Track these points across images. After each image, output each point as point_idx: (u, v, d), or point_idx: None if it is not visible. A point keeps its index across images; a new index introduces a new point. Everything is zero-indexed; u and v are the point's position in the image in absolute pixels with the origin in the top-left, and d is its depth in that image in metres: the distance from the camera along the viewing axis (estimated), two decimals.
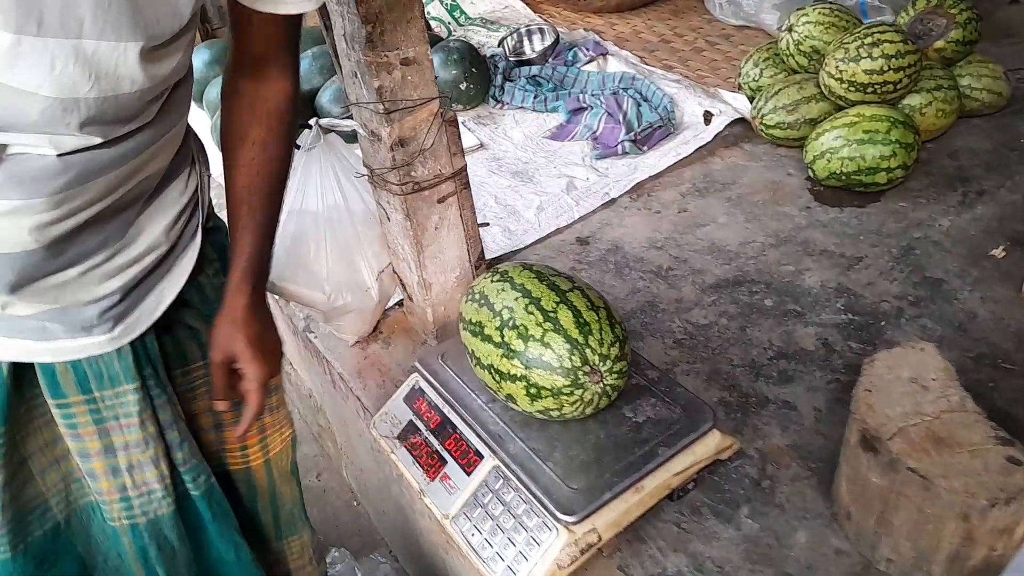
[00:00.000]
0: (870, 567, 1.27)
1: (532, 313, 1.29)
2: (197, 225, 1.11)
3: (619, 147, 2.34)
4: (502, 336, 1.31)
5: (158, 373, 1.10)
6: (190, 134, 1.10)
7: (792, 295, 1.81)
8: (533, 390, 1.29)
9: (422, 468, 1.48)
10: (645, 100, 2.50)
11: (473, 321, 1.38)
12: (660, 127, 2.38)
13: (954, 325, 1.68)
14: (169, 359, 1.13)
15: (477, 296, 1.41)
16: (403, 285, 1.76)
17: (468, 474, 1.42)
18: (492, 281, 1.40)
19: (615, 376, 1.30)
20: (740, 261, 1.93)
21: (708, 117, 2.41)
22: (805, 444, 1.47)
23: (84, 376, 1.03)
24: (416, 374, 1.59)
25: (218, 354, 1.10)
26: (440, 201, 1.59)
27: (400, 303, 1.92)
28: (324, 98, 2.50)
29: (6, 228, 0.83)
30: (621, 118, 2.40)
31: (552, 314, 1.29)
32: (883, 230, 1.97)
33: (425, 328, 1.77)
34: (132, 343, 1.05)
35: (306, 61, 2.61)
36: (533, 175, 2.34)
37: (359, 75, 1.42)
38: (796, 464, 1.44)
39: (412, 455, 1.51)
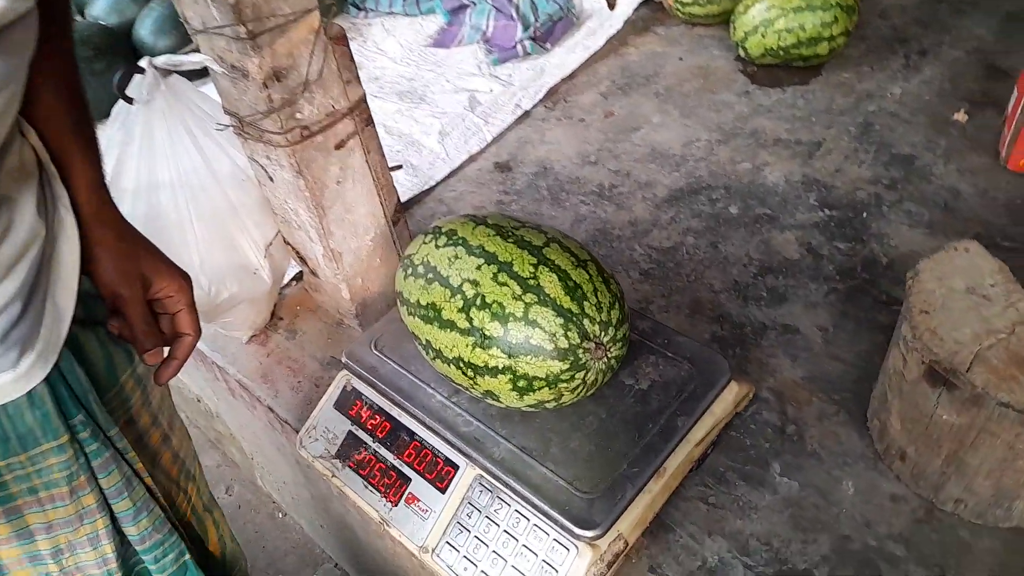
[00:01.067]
0: (933, 510, 1.09)
1: (505, 284, 0.98)
2: (57, 203, 0.77)
3: (518, 47, 1.99)
4: (470, 320, 0.99)
5: (94, 417, 0.78)
6: None
7: (758, 197, 1.57)
8: (522, 383, 0.98)
9: (379, 492, 1.16)
10: None
11: (423, 303, 1.04)
12: (560, 19, 2.04)
13: (939, 206, 1.50)
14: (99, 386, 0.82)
15: (420, 268, 1.07)
16: (302, 259, 1.38)
17: (442, 491, 1.11)
18: (438, 246, 1.07)
19: (620, 345, 1.02)
20: (689, 165, 1.66)
21: (612, 1, 2.09)
22: (821, 373, 1.26)
23: None
24: (345, 371, 1.25)
25: (130, 287, 0.81)
26: (339, 147, 1.22)
27: (298, 277, 1.54)
28: (143, 30, 1.98)
29: None
30: (514, 13, 2.04)
31: (532, 281, 0.97)
32: (834, 107, 1.76)
33: (340, 307, 1.41)
34: (48, 380, 0.73)
35: None
36: (424, 93, 1.96)
37: None
38: (817, 399, 1.23)
39: (362, 476, 1.18)
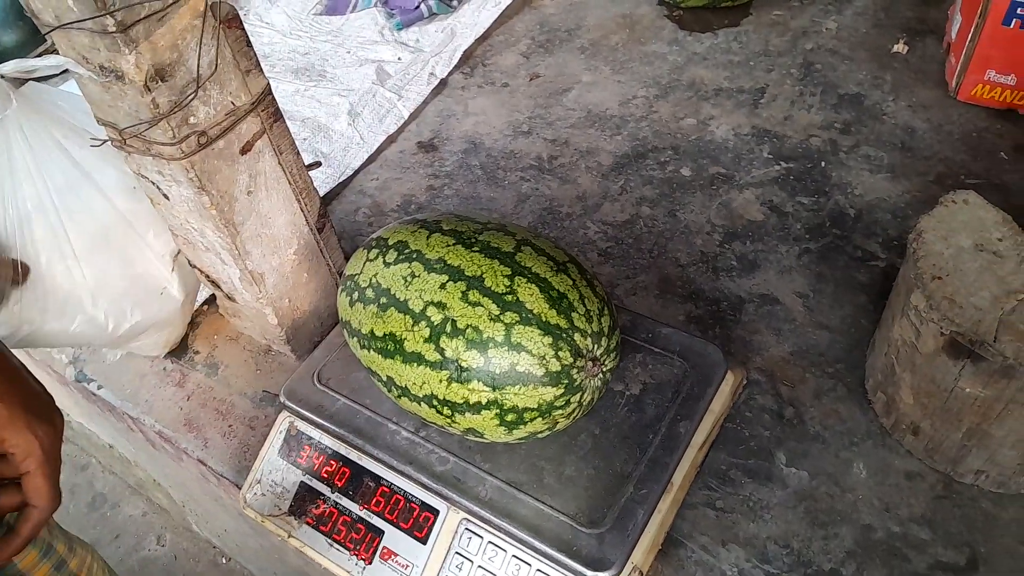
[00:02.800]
0: (952, 484, 1.01)
1: (478, 303, 0.82)
2: None
3: (422, 7, 1.80)
4: (440, 350, 0.83)
5: None
6: None
7: (709, 155, 1.45)
8: (511, 416, 0.84)
9: (347, 549, 1.00)
10: None
11: (378, 334, 0.88)
12: None
13: (897, 147, 1.42)
14: None
15: (369, 292, 0.90)
16: (213, 283, 1.18)
17: (422, 541, 0.97)
18: (387, 263, 0.90)
19: (614, 356, 0.88)
20: (630, 126, 1.53)
21: None
22: (809, 345, 1.17)
23: None
24: (286, 412, 1.07)
25: None
26: (245, 151, 1.02)
27: (210, 300, 1.34)
28: None
29: None
30: None
31: (509, 296, 0.82)
32: (770, 48, 1.65)
33: (266, 333, 1.22)
34: None
35: None
36: (324, 69, 1.74)
37: None
38: (811, 374, 1.13)
39: (323, 532, 1.02)
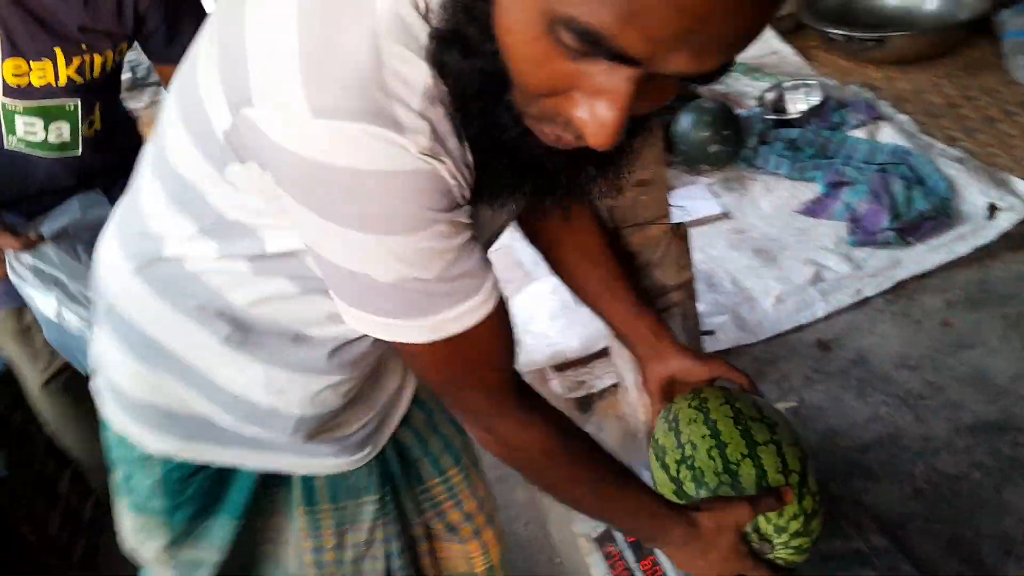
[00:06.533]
0: None
1: (713, 459, 1.19)
2: None
3: (880, 235, 2.09)
4: (678, 472, 1.22)
5: (396, 490, 1.21)
6: None
7: None
8: None
9: None
10: (918, 182, 2.20)
11: (659, 443, 1.30)
12: (932, 217, 2.08)
13: None
14: (408, 477, 1.25)
15: (671, 417, 1.33)
16: (623, 378, 1.72)
17: None
18: (689, 405, 1.31)
19: (791, 551, 1.15)
20: (1008, 401, 1.63)
21: (992, 210, 2.07)
22: None
23: (337, 489, 1.18)
24: None
25: None
26: (663, 311, 1.53)
27: (615, 385, 1.89)
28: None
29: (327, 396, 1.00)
30: (887, 200, 2.13)
31: (734, 467, 1.17)
32: None
33: (635, 424, 1.72)
34: (378, 459, 1.17)
35: None
36: (777, 256, 2.17)
37: None
38: None
39: (607, 564, 1.47)
